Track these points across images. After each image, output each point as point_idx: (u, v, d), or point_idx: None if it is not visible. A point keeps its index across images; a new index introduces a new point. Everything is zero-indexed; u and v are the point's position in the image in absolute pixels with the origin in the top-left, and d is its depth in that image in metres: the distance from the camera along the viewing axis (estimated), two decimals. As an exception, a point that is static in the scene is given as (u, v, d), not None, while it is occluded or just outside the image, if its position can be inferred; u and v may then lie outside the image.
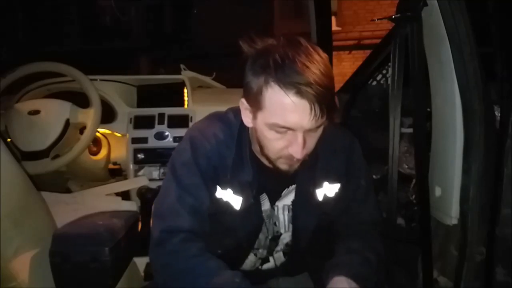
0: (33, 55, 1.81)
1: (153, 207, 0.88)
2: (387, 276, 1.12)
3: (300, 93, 0.68)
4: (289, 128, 0.72)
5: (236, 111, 0.84)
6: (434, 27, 0.93)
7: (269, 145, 0.77)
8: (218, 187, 0.85)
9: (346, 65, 6.87)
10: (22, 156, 1.39)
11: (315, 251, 0.96)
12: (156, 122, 1.67)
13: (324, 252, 0.92)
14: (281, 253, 0.97)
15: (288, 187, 0.90)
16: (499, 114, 0.93)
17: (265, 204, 0.90)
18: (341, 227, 0.94)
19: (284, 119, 0.71)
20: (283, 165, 0.79)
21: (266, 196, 0.89)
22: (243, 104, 0.78)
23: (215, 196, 0.85)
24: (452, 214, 0.96)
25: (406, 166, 1.33)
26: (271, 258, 0.97)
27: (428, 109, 1.04)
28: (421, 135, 0.99)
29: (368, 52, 1.65)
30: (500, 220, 0.88)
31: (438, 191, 1.00)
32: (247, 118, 0.79)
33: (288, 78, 0.68)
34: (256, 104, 0.74)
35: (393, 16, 0.97)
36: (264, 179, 0.85)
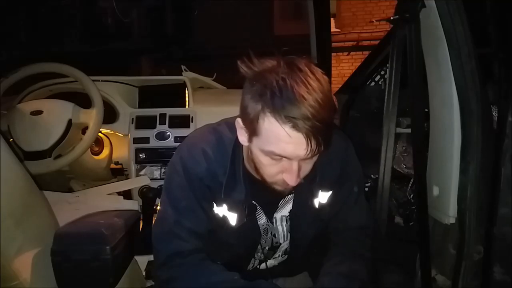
0: (35, 56, 1.82)
1: (153, 229, 0.89)
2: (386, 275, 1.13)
3: (296, 127, 0.66)
4: (285, 157, 0.71)
5: (231, 125, 0.82)
6: (432, 28, 0.94)
7: (264, 169, 0.76)
8: (214, 204, 0.86)
9: (344, 66, 6.88)
10: (25, 156, 1.40)
11: (312, 253, 0.98)
12: (158, 122, 1.68)
13: (322, 252, 0.93)
14: (279, 258, 0.99)
15: (284, 197, 0.89)
16: (497, 115, 0.94)
17: (262, 219, 0.90)
18: (330, 232, 0.95)
19: (279, 149, 0.70)
20: (278, 187, 0.78)
21: (262, 210, 0.89)
22: (239, 123, 0.76)
23: (212, 212, 0.86)
24: (450, 213, 0.97)
25: (404, 166, 1.34)
26: (269, 261, 0.99)
27: (426, 110, 1.05)
28: (419, 135, 1.00)
29: (366, 53, 1.67)
30: (497, 219, 0.89)
31: (436, 191, 1.01)
32: (242, 137, 0.77)
33: (285, 112, 0.66)
34: (252, 129, 0.72)
35: (392, 18, 0.98)
36: (258, 193, 0.85)
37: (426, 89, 1.03)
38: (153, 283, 1.25)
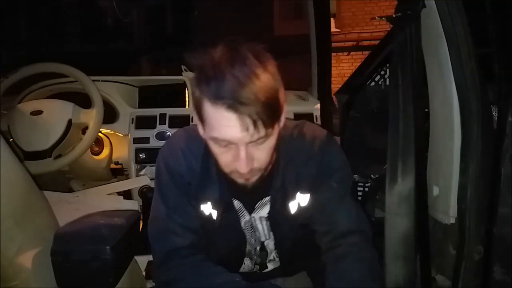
0: (35, 56, 1.82)
1: (148, 228, 0.89)
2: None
3: (231, 108, 0.65)
4: (229, 142, 0.70)
5: None
6: (432, 28, 0.94)
7: (219, 159, 0.75)
8: (200, 201, 0.86)
9: (345, 66, 6.90)
10: (25, 156, 1.40)
11: (303, 254, 0.96)
12: (158, 122, 1.69)
13: (314, 252, 0.90)
14: (275, 261, 0.99)
15: (261, 199, 0.89)
16: (497, 115, 0.93)
17: (245, 216, 0.90)
18: (323, 240, 0.87)
19: (219, 133, 0.69)
20: (238, 179, 0.77)
21: (244, 208, 0.89)
22: (195, 115, 0.76)
23: (199, 209, 0.87)
24: (450, 213, 0.97)
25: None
26: (267, 264, 0.99)
27: (426, 110, 1.05)
28: (419, 135, 0.99)
29: (366, 53, 1.66)
30: (497, 219, 0.89)
31: (436, 191, 1.01)
32: (200, 129, 0.77)
33: (218, 94, 0.65)
34: (199, 117, 0.72)
35: (394, 15, 0.98)
36: (235, 192, 0.84)
37: (426, 89, 1.03)
38: (153, 283, 1.25)
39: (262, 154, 0.74)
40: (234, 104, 0.65)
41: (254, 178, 0.77)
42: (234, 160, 0.72)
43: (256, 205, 0.89)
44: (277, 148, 0.80)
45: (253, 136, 0.68)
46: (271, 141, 0.74)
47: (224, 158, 0.74)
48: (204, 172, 0.84)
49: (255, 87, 0.65)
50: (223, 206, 0.86)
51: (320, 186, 0.86)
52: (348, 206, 0.87)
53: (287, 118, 0.87)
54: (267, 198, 0.88)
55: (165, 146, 0.89)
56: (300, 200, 0.87)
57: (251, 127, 0.67)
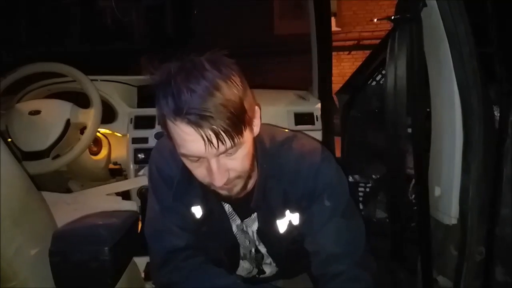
0: (34, 56, 1.82)
1: (145, 230, 0.89)
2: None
3: (190, 123, 0.63)
4: (198, 156, 0.68)
5: None
6: (434, 28, 0.93)
7: (195, 174, 0.73)
8: (188, 203, 0.86)
9: (345, 66, 6.88)
10: (23, 156, 1.40)
11: (299, 258, 0.93)
12: (157, 122, 1.68)
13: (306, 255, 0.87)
14: (271, 265, 0.98)
15: (250, 215, 0.88)
16: (498, 114, 0.93)
17: (237, 220, 0.89)
18: (313, 263, 0.84)
19: (186, 149, 0.68)
20: (220, 191, 0.75)
21: (235, 213, 0.88)
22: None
23: (191, 211, 0.86)
24: (451, 214, 0.96)
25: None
26: (264, 268, 0.99)
27: (428, 109, 1.04)
28: (420, 135, 0.99)
29: (367, 52, 1.66)
30: (499, 220, 0.88)
31: (437, 191, 1.00)
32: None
33: (176, 110, 0.63)
34: (167, 134, 0.70)
35: (393, 17, 0.97)
36: (222, 197, 0.81)
37: (428, 89, 1.02)
38: (152, 284, 1.24)
39: (237, 163, 0.71)
40: (194, 118, 0.63)
41: (236, 188, 0.75)
42: (208, 173, 0.70)
43: (245, 220, 0.89)
44: (256, 155, 0.78)
45: (220, 148, 0.66)
46: (245, 149, 0.71)
47: (198, 172, 0.72)
48: (185, 179, 0.81)
49: (214, 99, 0.63)
50: (211, 210, 0.86)
51: (309, 205, 0.82)
52: (337, 227, 0.81)
53: (280, 128, 0.88)
54: (255, 214, 0.87)
55: (156, 148, 0.88)
56: (291, 219, 0.85)
57: (215, 140, 0.64)
